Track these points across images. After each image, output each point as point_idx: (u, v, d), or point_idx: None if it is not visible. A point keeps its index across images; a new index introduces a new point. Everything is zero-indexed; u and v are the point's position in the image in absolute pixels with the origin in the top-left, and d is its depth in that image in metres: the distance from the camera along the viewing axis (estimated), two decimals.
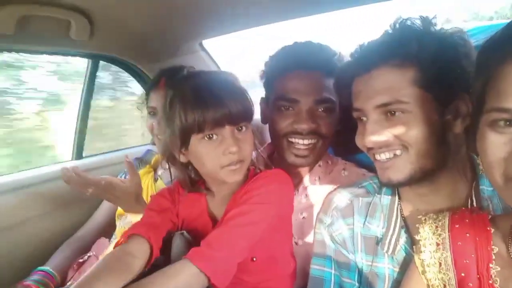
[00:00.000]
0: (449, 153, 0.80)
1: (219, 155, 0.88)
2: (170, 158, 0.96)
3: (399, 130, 0.78)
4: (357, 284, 0.92)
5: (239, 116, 0.88)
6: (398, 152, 0.80)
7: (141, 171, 1.43)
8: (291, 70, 1.10)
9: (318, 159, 1.15)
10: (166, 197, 1.03)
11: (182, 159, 0.94)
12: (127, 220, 1.32)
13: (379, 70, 0.80)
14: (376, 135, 0.80)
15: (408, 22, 0.82)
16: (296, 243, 1.11)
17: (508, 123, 0.54)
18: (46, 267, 1.27)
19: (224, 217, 0.90)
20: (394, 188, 0.91)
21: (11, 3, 1.01)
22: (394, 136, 0.79)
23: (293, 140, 1.11)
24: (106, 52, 1.54)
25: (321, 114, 1.10)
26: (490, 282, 0.62)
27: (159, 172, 1.45)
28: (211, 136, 0.87)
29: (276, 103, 1.12)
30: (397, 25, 0.83)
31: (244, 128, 0.91)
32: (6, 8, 1.01)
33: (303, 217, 1.14)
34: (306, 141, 1.10)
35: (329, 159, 1.22)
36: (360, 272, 0.92)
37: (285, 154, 1.14)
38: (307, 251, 1.03)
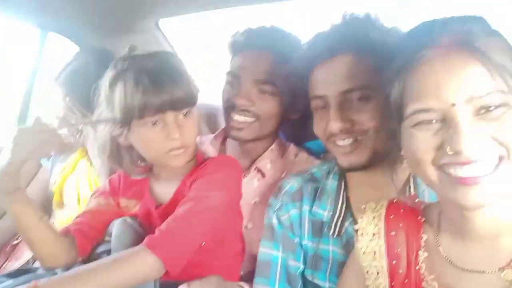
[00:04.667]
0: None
1: (161, 140, 0.88)
2: (109, 142, 0.94)
3: (363, 116, 0.81)
4: (302, 266, 0.95)
5: (181, 102, 0.88)
6: (359, 137, 0.83)
7: (77, 155, 1.39)
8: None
9: (255, 136, 1.16)
10: (106, 189, 1.04)
11: (124, 142, 0.92)
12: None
13: (342, 57, 0.82)
14: (341, 121, 0.82)
15: (355, 15, 0.85)
16: (246, 227, 1.13)
17: (431, 121, 0.56)
18: None
19: (175, 203, 0.90)
20: (342, 173, 0.94)
21: None
22: (358, 122, 0.82)
23: (231, 114, 1.13)
24: (58, 24, 1.50)
25: (259, 96, 1.11)
26: (417, 268, 0.66)
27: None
28: (153, 122, 0.87)
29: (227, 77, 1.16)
30: (347, 17, 0.86)
31: (187, 114, 0.91)
32: None
33: (255, 202, 1.16)
34: (241, 118, 1.12)
35: (282, 144, 1.25)
36: (306, 254, 0.95)
37: (227, 128, 1.17)
38: (256, 235, 1.05)
